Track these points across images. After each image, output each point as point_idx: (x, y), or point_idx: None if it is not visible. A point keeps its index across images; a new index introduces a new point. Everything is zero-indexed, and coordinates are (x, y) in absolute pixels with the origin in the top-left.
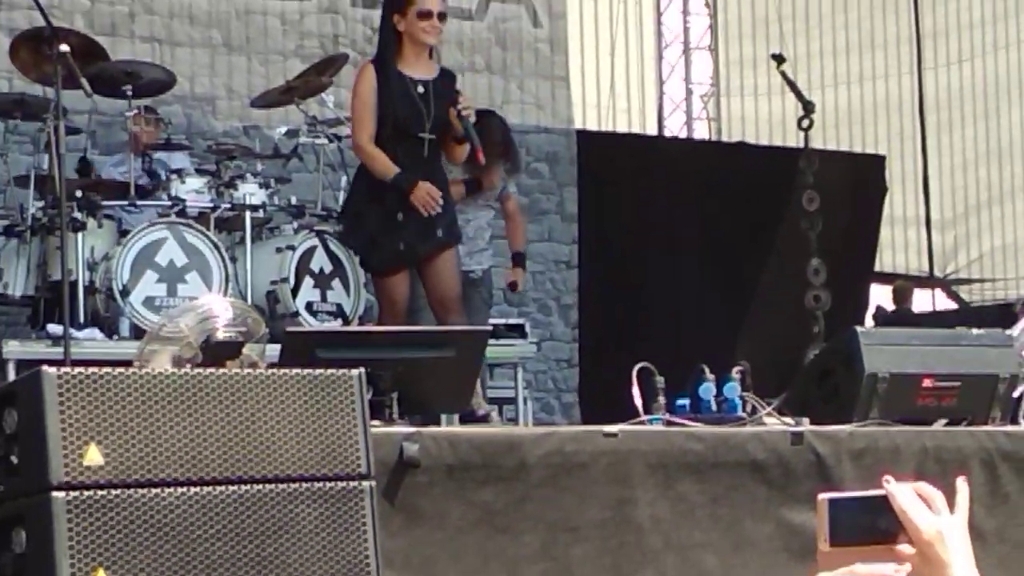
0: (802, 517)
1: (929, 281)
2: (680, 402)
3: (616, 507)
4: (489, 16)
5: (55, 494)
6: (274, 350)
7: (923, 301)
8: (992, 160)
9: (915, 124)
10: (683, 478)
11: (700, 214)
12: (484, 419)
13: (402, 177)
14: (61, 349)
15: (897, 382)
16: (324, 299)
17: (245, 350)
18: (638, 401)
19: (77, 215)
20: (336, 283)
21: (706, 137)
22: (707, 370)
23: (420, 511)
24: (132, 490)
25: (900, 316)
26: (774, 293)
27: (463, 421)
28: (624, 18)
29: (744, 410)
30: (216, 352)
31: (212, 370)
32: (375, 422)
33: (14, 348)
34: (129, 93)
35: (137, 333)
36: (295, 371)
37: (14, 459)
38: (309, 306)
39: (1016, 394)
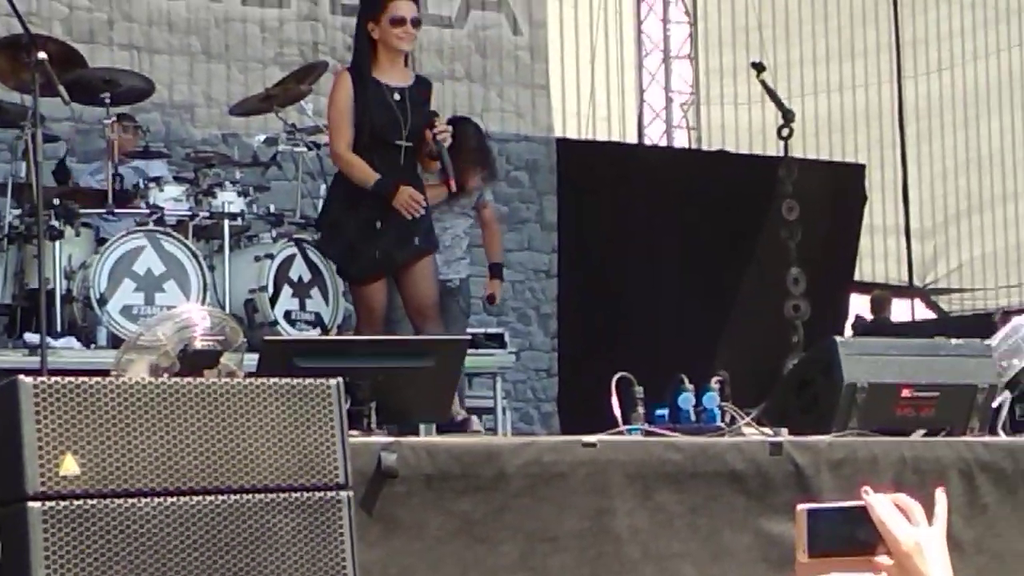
0: (780, 527)
1: (908, 291)
2: (659, 412)
3: (595, 517)
4: (469, 24)
5: (31, 504)
6: (252, 359)
7: (902, 311)
8: (972, 169)
9: (895, 133)
10: (662, 488)
11: (680, 223)
12: (463, 424)
13: (383, 183)
14: (38, 358)
15: (876, 392)
16: (303, 308)
17: (223, 359)
18: (617, 411)
19: (54, 223)
20: (315, 292)
21: (686, 146)
22: (686, 380)
23: (398, 521)
24: (109, 500)
25: (879, 326)
26: (753, 302)
27: (440, 431)
28: (604, 26)
29: (723, 420)
30: (194, 361)
31: (190, 379)
32: (353, 432)
33: None
34: (107, 100)
35: (114, 342)
36: (273, 380)
37: None
38: (288, 315)
39: (995, 404)
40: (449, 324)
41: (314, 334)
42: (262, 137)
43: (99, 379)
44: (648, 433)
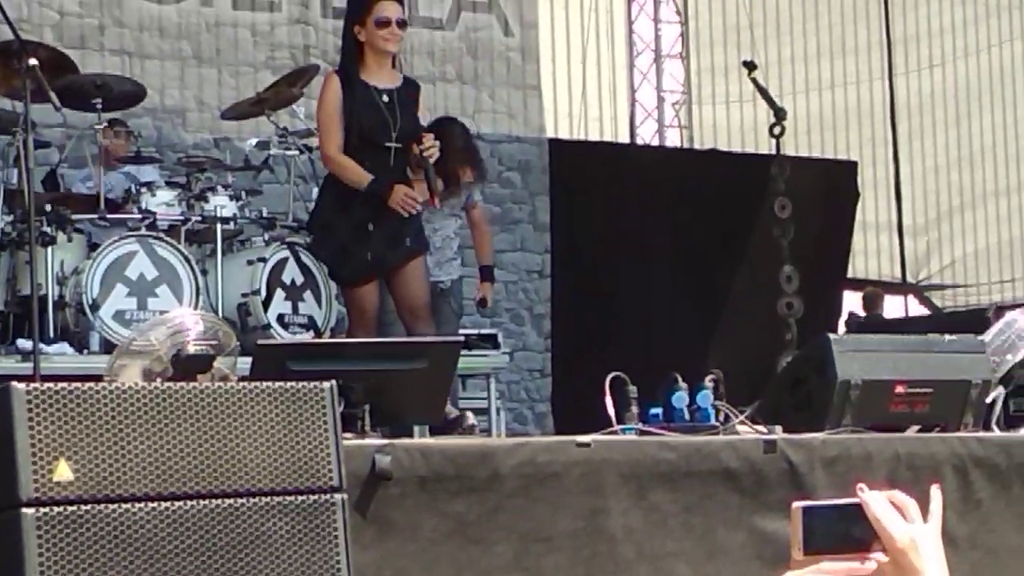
0: (775, 525)
1: (902, 287)
2: (653, 411)
3: (589, 517)
4: (460, 25)
5: (24, 510)
6: (245, 363)
7: (895, 307)
8: (964, 165)
9: (887, 130)
10: (656, 487)
11: (672, 222)
12: (457, 421)
13: (378, 183)
14: (30, 364)
15: (870, 389)
16: (296, 311)
17: (216, 363)
18: (611, 411)
19: (46, 229)
20: (308, 295)
21: (678, 145)
22: (680, 379)
23: (392, 523)
24: (102, 505)
25: (872, 322)
26: (746, 301)
27: (433, 432)
28: (595, 27)
29: (717, 419)
30: (187, 366)
31: (183, 384)
32: (347, 434)
33: None
34: (99, 106)
35: (107, 347)
36: (266, 384)
37: None
38: (281, 318)
39: (988, 400)
40: (441, 325)
41: (307, 337)
42: (254, 141)
43: (92, 385)
44: (642, 432)
